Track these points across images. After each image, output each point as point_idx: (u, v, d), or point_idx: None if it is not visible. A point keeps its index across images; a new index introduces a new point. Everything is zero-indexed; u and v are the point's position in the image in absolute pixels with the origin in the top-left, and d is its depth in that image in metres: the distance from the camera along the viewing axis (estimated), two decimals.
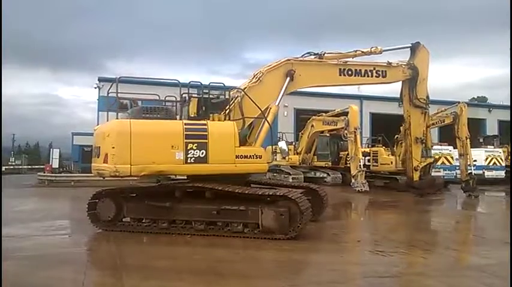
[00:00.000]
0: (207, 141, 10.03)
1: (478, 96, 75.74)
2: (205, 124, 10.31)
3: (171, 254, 8.59)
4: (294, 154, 29.96)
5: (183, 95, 11.06)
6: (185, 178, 11.29)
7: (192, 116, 10.92)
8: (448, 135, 26.28)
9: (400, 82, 14.00)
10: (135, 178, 12.04)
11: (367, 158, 25.97)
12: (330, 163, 29.22)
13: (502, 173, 29.28)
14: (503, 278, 7.01)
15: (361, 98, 43.08)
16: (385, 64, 13.04)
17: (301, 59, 12.26)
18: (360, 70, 12.60)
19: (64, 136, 46.13)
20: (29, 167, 53.30)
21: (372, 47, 13.13)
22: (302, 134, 30.03)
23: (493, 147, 31.59)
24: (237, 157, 10.24)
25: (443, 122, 23.19)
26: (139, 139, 9.70)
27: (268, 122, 11.11)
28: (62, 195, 22.14)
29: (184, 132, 9.94)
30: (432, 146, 14.56)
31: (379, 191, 23.25)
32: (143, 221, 10.57)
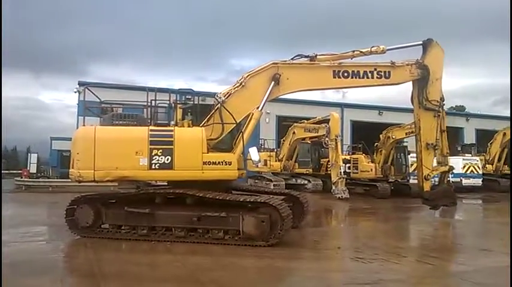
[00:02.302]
0: (172, 147, 10.01)
1: (456, 106, 77.06)
2: (171, 130, 10.30)
3: (151, 261, 8.49)
4: (276, 161, 30.06)
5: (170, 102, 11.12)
6: (166, 183, 11.22)
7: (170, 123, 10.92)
8: None
9: (410, 84, 12.56)
10: (115, 184, 11.96)
11: (347, 165, 26.14)
12: (311, 170, 29.37)
13: (479, 181, 29.79)
14: (480, 285, 7.13)
15: (342, 106, 43.51)
16: (389, 64, 11.81)
17: (290, 62, 11.56)
18: (358, 71, 11.62)
19: (43, 141, 45.32)
20: (6, 171, 52.13)
21: (373, 47, 11.92)
22: (284, 141, 30.14)
23: (470, 155, 32.15)
24: (204, 163, 10.10)
25: None
26: (104, 145, 9.93)
27: (242, 133, 10.84)
28: (39, 200, 21.73)
29: (149, 139, 10.00)
30: (448, 153, 12.86)
31: (359, 198, 23.44)
32: (122, 227, 10.43)
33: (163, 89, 11.29)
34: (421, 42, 12.14)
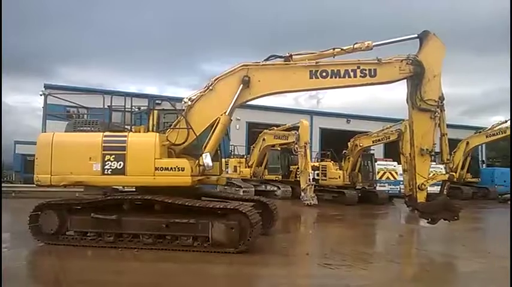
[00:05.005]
0: (125, 153, 9.97)
1: None
2: (125, 136, 10.28)
3: (117, 269, 8.35)
4: (246, 167, 30.07)
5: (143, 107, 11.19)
6: (134, 189, 11.08)
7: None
8: (393, 151, 27.25)
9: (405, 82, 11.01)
10: (81, 189, 11.78)
11: (316, 172, 26.40)
12: (280, 177, 29.47)
13: None
14: None
15: (311, 113, 44.08)
16: (374, 61, 10.50)
17: (263, 63, 10.79)
18: (338, 71, 10.46)
19: (6, 144, 43.87)
20: None
21: (356, 43, 10.67)
22: (254, 147, 30.16)
23: (434, 163, 32.86)
24: (156, 169, 9.95)
25: (389, 138, 24.10)
26: (59, 150, 10.11)
27: (209, 139, 10.66)
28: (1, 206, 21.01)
29: (103, 144, 10.03)
30: (448, 160, 11.26)
31: (327, 205, 23.65)
32: (88, 234, 10.22)
33: (120, 93, 11.38)
34: (415, 36, 10.73)
